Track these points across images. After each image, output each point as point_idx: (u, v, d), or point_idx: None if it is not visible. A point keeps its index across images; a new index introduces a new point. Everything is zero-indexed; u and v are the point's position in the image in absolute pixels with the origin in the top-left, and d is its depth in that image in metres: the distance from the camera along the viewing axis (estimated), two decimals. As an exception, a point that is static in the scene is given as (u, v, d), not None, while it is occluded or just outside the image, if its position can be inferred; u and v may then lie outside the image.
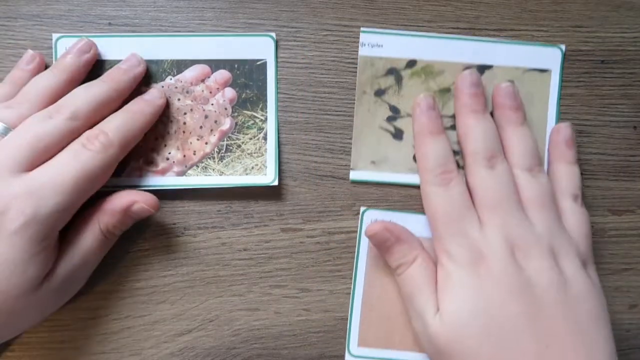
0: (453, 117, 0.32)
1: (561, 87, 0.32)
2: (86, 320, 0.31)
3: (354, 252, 0.32)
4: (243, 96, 0.32)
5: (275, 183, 0.31)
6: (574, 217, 0.30)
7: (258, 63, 0.32)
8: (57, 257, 0.27)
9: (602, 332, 0.27)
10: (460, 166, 0.31)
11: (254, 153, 0.31)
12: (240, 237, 0.32)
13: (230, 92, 0.32)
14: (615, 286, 0.32)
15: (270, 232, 0.32)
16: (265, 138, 0.32)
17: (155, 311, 0.32)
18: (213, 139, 0.32)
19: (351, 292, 0.32)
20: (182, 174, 0.31)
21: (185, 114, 0.32)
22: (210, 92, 0.32)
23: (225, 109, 0.32)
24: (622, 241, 0.33)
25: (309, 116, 0.32)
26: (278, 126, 0.32)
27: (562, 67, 0.32)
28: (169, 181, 0.31)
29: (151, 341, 0.32)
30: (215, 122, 0.32)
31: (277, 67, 0.32)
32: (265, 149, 0.32)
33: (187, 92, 0.32)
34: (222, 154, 0.32)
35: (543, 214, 0.28)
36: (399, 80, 0.32)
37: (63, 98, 0.28)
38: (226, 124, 0.32)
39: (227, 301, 0.32)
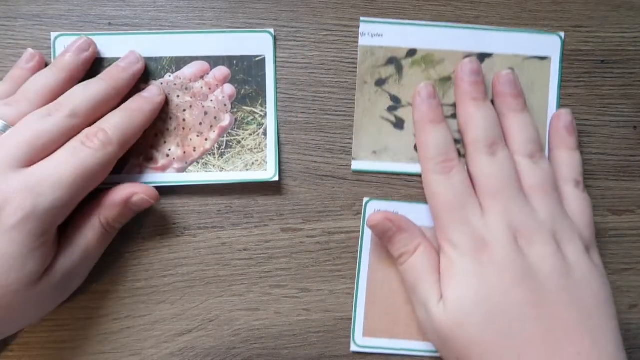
0: (454, 105, 0.32)
1: (561, 74, 0.32)
2: (86, 320, 0.31)
3: (354, 252, 0.32)
4: (242, 92, 0.32)
5: (276, 178, 0.31)
6: (576, 202, 0.30)
7: (257, 59, 0.32)
8: (56, 253, 0.27)
9: (607, 316, 0.27)
10: (462, 155, 0.31)
11: (254, 149, 0.32)
12: (240, 237, 0.32)
13: (229, 89, 0.32)
14: (615, 286, 0.32)
15: (270, 232, 0.32)
16: (265, 134, 0.32)
17: (155, 311, 0.32)
18: (213, 135, 0.32)
19: (355, 282, 0.32)
20: (182, 170, 0.31)
21: (184, 110, 0.32)
22: (210, 89, 0.32)
23: (225, 105, 0.32)
24: (622, 241, 0.33)
25: (309, 116, 0.32)
26: (278, 122, 0.32)
27: (562, 54, 0.32)
28: (170, 178, 0.31)
29: (151, 341, 0.32)
30: (215, 118, 0.32)
31: (275, 62, 0.32)
32: (266, 145, 0.32)
33: (186, 88, 0.32)
34: (222, 150, 0.32)
35: (545, 200, 0.28)
36: (399, 69, 0.32)
37: (62, 96, 0.28)
38: (226, 120, 0.32)
39: (227, 301, 0.32)
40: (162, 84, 0.31)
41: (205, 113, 0.32)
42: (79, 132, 0.28)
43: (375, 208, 0.32)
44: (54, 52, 0.31)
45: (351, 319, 0.32)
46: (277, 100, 0.32)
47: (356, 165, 0.32)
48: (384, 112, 0.32)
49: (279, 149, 0.32)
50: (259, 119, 0.32)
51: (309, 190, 0.32)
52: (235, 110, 0.32)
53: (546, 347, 0.25)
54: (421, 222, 0.31)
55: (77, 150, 0.27)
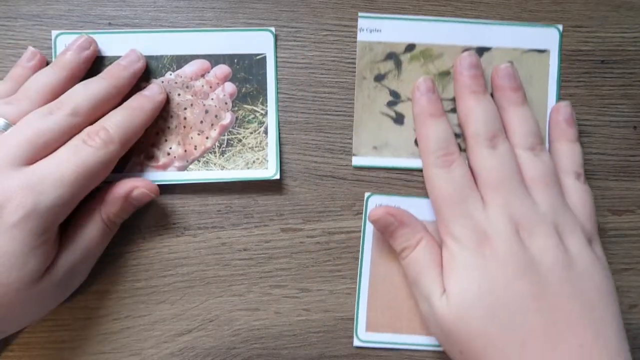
0: (453, 100, 0.32)
1: (560, 66, 0.32)
2: (86, 320, 0.31)
3: (354, 252, 0.32)
4: (243, 91, 0.32)
5: (277, 177, 0.31)
6: (577, 194, 0.30)
7: (257, 57, 0.32)
8: (58, 251, 0.27)
9: (610, 308, 0.27)
10: (462, 149, 0.31)
11: (255, 147, 0.32)
12: (240, 237, 0.32)
13: (230, 87, 0.32)
14: (615, 286, 0.32)
15: (270, 232, 0.32)
16: (266, 132, 0.32)
17: (155, 311, 0.32)
18: (214, 133, 0.32)
19: (357, 278, 0.32)
20: (183, 168, 0.31)
21: (185, 109, 0.32)
22: (211, 87, 0.32)
23: (226, 103, 0.32)
24: (622, 241, 0.33)
25: (309, 116, 0.32)
26: (279, 120, 0.32)
27: (560, 47, 0.32)
28: (171, 176, 0.31)
29: (151, 341, 0.32)
30: (216, 116, 0.32)
31: (276, 61, 0.32)
32: (267, 143, 0.32)
33: (187, 87, 0.32)
34: (223, 149, 0.32)
35: (546, 192, 0.28)
36: (398, 64, 0.32)
37: (63, 95, 0.28)
38: (227, 118, 0.32)
39: (227, 301, 0.32)
40: (163, 82, 0.31)
41: (206, 111, 0.32)
42: (80, 131, 0.28)
43: (376, 203, 0.32)
44: (55, 50, 0.31)
45: (351, 318, 0.32)
46: (278, 98, 0.32)
47: (357, 161, 0.32)
48: (383, 107, 0.32)
49: (280, 147, 0.32)
50: (260, 117, 0.32)
51: (309, 190, 0.32)
52: (236, 108, 0.32)
53: (548, 340, 0.25)
54: (423, 216, 0.31)
55: (78, 148, 0.27)
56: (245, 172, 0.31)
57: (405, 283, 0.31)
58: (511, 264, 0.27)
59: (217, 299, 0.32)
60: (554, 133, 0.31)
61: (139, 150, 0.31)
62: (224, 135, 0.32)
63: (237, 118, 0.32)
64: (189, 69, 0.32)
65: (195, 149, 0.32)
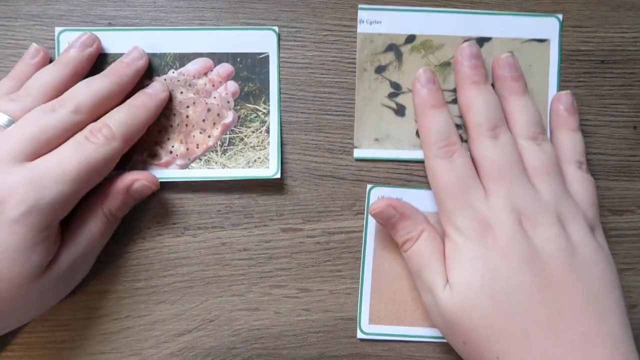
0: (454, 91, 0.32)
1: (561, 56, 0.32)
2: (86, 320, 0.31)
3: (354, 252, 0.32)
4: (245, 89, 0.32)
5: (278, 176, 0.31)
6: (579, 183, 0.29)
7: (260, 56, 0.32)
8: (60, 246, 0.27)
9: (613, 296, 0.27)
10: (464, 140, 0.31)
11: (257, 146, 0.32)
12: (240, 237, 0.32)
13: (232, 86, 0.32)
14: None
15: (270, 232, 0.32)
16: (267, 131, 0.32)
17: (155, 311, 0.32)
18: (216, 132, 0.32)
19: (360, 270, 0.32)
20: (185, 167, 0.31)
21: (188, 107, 0.32)
22: (213, 86, 0.32)
23: (228, 102, 0.32)
24: (622, 241, 0.33)
25: (309, 116, 0.32)
26: (281, 119, 0.32)
27: (560, 36, 0.32)
28: (172, 173, 0.31)
29: (151, 341, 0.32)
30: (218, 115, 0.32)
31: (279, 60, 0.32)
32: (268, 142, 0.32)
33: (190, 85, 0.32)
34: (225, 147, 0.32)
35: (549, 181, 0.28)
36: (398, 56, 0.32)
37: (66, 92, 0.28)
38: (229, 117, 0.32)
39: (227, 301, 0.32)
40: (165, 80, 0.32)
41: (209, 110, 0.32)
42: (82, 128, 0.28)
43: (378, 194, 0.32)
44: (58, 47, 0.31)
45: (351, 319, 0.32)
46: (280, 98, 0.32)
47: (358, 153, 0.32)
48: (384, 99, 0.32)
49: (281, 146, 0.32)
50: (262, 116, 0.32)
51: (309, 190, 0.32)
52: (239, 107, 0.32)
53: (552, 329, 0.25)
54: (424, 207, 0.31)
55: (81, 145, 0.27)
56: (246, 171, 0.31)
57: (408, 275, 0.31)
58: (514, 254, 0.26)
59: (217, 299, 0.32)
60: (555, 122, 0.31)
61: (141, 148, 0.31)
62: (226, 134, 0.32)
63: (239, 117, 0.32)
64: (192, 67, 0.32)
65: (197, 147, 0.32)
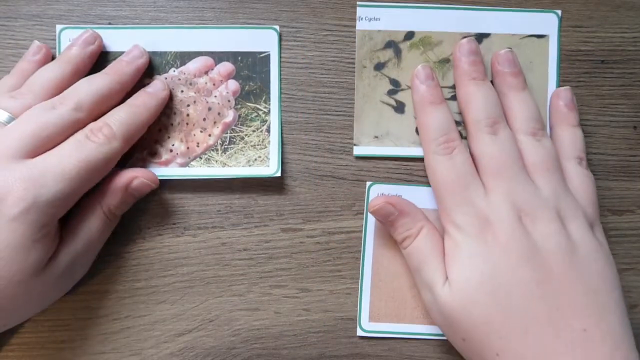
0: (453, 87, 0.32)
1: (560, 51, 0.32)
2: (86, 320, 0.31)
3: (354, 251, 0.32)
4: (246, 88, 0.32)
5: (278, 174, 0.31)
6: (579, 179, 0.29)
7: (261, 55, 0.32)
8: (59, 243, 0.27)
9: (612, 293, 0.27)
10: (463, 137, 0.31)
11: (257, 145, 0.32)
12: (240, 237, 0.32)
13: (233, 84, 0.32)
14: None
15: (270, 232, 0.32)
16: (268, 130, 0.32)
17: (155, 311, 0.32)
18: (216, 131, 0.32)
19: (360, 268, 0.32)
20: (185, 165, 0.31)
21: (188, 105, 0.32)
22: (214, 84, 0.32)
23: (229, 101, 0.32)
24: (622, 241, 0.33)
25: (309, 116, 0.32)
26: (281, 119, 0.32)
27: (559, 32, 0.32)
28: (172, 172, 0.31)
29: (151, 341, 0.32)
30: (219, 114, 0.32)
31: (280, 59, 0.32)
32: (269, 141, 0.32)
33: (191, 84, 0.32)
34: (226, 146, 0.32)
35: (548, 177, 0.28)
36: (397, 52, 0.32)
37: (67, 90, 0.28)
38: (229, 116, 0.32)
39: (227, 301, 0.32)
40: (166, 78, 0.32)
41: (209, 109, 0.32)
42: (82, 126, 0.28)
43: (378, 191, 0.32)
44: (59, 45, 0.31)
45: (351, 319, 0.32)
46: (281, 97, 0.32)
47: (358, 150, 0.32)
48: (384, 96, 0.32)
49: (282, 145, 0.32)
50: (263, 115, 0.32)
51: (309, 190, 0.32)
52: (239, 106, 0.32)
53: (552, 325, 0.25)
54: (424, 204, 0.31)
55: (81, 143, 0.27)
56: (246, 169, 0.31)
57: (407, 272, 0.31)
58: (514, 250, 0.26)
59: (217, 299, 0.32)
60: (555, 118, 0.31)
61: (141, 146, 0.31)
62: (227, 133, 0.32)
63: (239, 116, 0.32)
64: (193, 65, 0.32)
65: (198, 146, 0.32)
